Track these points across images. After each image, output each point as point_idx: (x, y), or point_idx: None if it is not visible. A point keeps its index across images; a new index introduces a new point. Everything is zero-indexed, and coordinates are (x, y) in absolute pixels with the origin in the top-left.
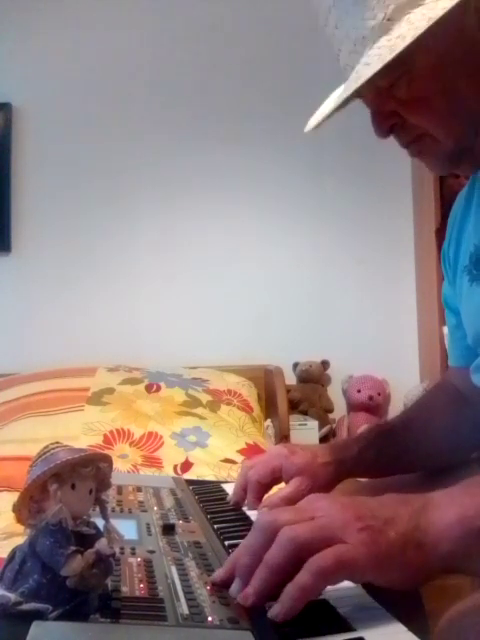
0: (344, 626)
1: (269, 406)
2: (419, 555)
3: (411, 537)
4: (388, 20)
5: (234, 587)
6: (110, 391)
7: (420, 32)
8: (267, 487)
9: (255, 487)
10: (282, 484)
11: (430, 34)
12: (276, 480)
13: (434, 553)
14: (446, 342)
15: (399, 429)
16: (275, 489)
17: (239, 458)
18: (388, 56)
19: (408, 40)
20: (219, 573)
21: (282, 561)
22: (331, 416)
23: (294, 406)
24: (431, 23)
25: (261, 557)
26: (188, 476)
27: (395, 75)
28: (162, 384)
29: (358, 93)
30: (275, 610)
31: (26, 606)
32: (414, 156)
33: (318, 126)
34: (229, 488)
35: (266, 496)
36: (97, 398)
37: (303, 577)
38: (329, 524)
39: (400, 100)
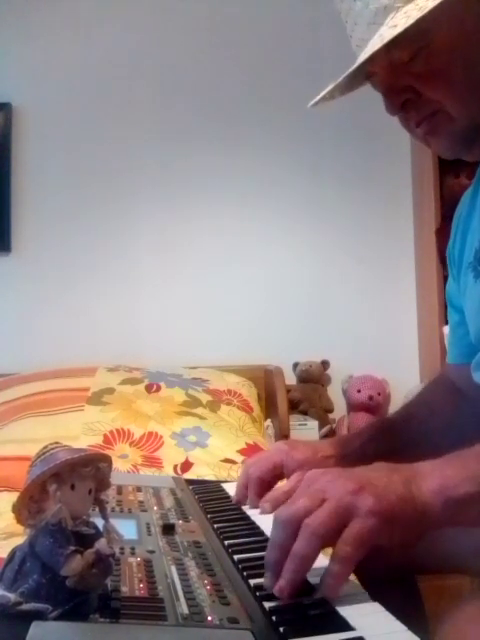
0: (344, 626)
1: (269, 406)
2: (415, 516)
3: (407, 499)
4: None
5: (266, 581)
6: (110, 391)
7: None
8: (269, 484)
9: (256, 484)
10: (284, 481)
11: (456, 5)
12: (278, 477)
13: (424, 517)
14: (446, 340)
15: (399, 424)
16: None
17: (239, 458)
18: (417, 14)
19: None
20: (268, 580)
21: (310, 552)
22: (331, 416)
23: (294, 406)
24: None
25: (287, 551)
26: (188, 476)
27: (415, 47)
28: (162, 384)
29: (367, 75)
30: (321, 594)
31: (26, 606)
32: (425, 136)
33: (323, 99)
34: (229, 488)
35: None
36: (97, 398)
37: (334, 567)
38: (340, 504)
39: (416, 74)
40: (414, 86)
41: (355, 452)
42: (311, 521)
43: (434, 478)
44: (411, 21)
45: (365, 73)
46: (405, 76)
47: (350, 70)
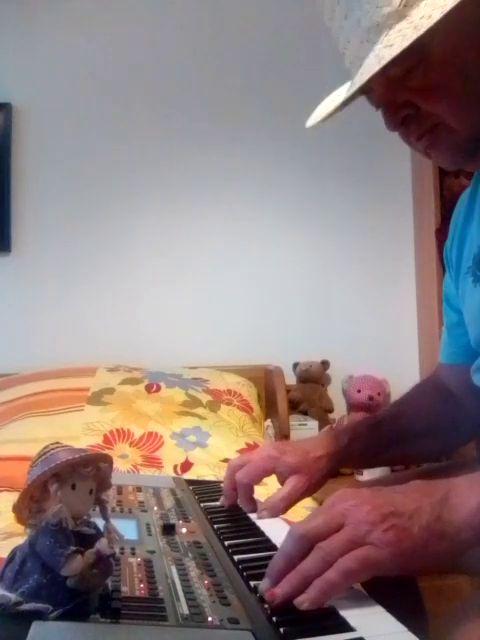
0: (344, 626)
1: (269, 406)
2: (441, 546)
3: (434, 529)
4: (404, 6)
5: (263, 585)
6: (110, 391)
7: (448, 9)
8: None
9: (247, 490)
10: (276, 485)
11: (450, 18)
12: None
13: (456, 540)
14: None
15: (387, 421)
16: (273, 488)
17: None
18: (413, 35)
19: (435, 18)
20: (266, 584)
21: (314, 573)
22: (331, 416)
23: (294, 406)
24: (457, 1)
25: (293, 564)
26: (188, 476)
27: (411, 62)
28: (162, 384)
29: (363, 90)
30: (301, 598)
31: (26, 606)
32: (425, 150)
33: (323, 120)
34: None
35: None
36: (97, 398)
37: (331, 574)
38: (357, 532)
39: (414, 89)
40: (413, 101)
41: (345, 448)
42: (325, 546)
43: (472, 496)
44: (407, 42)
45: (361, 89)
46: (403, 91)
47: (348, 93)
